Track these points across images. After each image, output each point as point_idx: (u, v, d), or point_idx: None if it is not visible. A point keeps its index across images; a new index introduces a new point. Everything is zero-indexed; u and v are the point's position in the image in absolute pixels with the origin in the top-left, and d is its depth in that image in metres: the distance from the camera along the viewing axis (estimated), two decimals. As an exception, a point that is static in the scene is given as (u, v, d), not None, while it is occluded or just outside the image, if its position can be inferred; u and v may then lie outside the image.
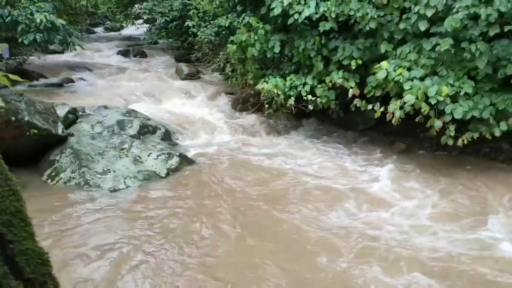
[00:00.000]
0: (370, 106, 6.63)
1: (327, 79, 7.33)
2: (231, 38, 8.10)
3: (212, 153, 7.26)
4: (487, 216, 5.26)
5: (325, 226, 5.02)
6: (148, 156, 6.62)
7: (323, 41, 7.38)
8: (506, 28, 5.67)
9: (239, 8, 8.46)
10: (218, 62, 10.04)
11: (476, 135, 6.16)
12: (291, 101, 7.60)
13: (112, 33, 19.55)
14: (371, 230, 4.94)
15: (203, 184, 6.14)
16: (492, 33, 5.70)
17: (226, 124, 8.52)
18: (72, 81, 10.75)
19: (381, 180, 6.26)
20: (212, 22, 10.04)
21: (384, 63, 6.44)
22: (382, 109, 6.47)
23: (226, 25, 8.63)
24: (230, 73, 9.37)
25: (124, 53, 14.69)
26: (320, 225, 5.04)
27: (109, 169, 6.18)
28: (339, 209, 5.43)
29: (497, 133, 6.03)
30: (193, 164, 6.79)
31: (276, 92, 7.55)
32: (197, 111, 9.00)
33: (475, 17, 5.79)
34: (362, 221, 5.15)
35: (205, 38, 9.99)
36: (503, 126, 5.97)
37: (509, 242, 4.66)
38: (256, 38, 7.63)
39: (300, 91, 7.57)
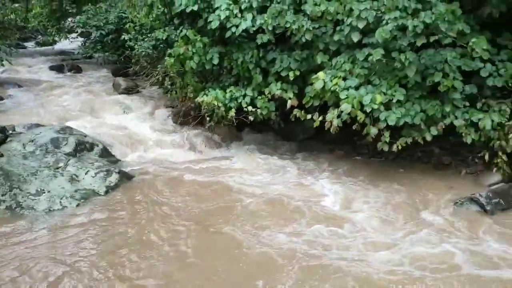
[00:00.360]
0: (309, 116, 6.76)
1: (266, 91, 7.42)
2: (169, 51, 8.02)
3: (153, 168, 7.09)
4: (432, 225, 5.32)
5: (268, 245, 4.85)
6: (86, 174, 6.37)
7: (261, 53, 7.47)
8: (432, 39, 6.00)
9: (176, 21, 8.39)
10: (157, 75, 9.87)
11: (409, 140, 6.42)
12: (232, 113, 7.60)
13: (44, 48, 18.71)
14: (317, 249, 4.77)
15: (143, 202, 5.97)
16: (419, 43, 6.01)
17: (167, 138, 8.38)
18: (0, 98, 10.18)
19: (327, 193, 6.23)
20: (149, 35, 9.88)
21: (320, 74, 6.60)
22: (320, 118, 6.61)
23: (164, 38, 8.52)
24: (169, 86, 9.25)
25: (58, 68, 14.13)
26: (263, 244, 4.88)
27: (43, 190, 5.89)
28: (284, 225, 5.29)
29: (428, 138, 6.33)
30: (133, 180, 6.61)
31: (216, 104, 7.52)
32: (136, 126, 8.80)
33: (403, 29, 6.07)
34: (308, 238, 4.98)
35: (142, 51, 9.82)
36: (434, 131, 6.28)
37: (464, 255, 4.64)
38: (194, 51, 7.58)
39: (240, 102, 7.59)
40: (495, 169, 6.17)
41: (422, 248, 4.81)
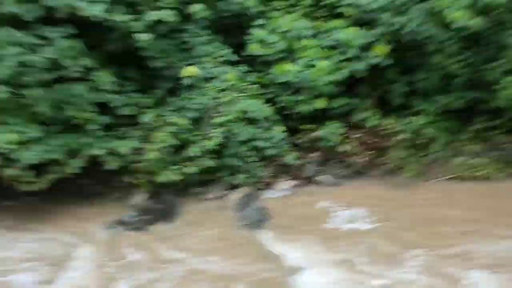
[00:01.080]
0: None
1: None
2: None
3: None
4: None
5: None
6: None
7: None
8: (59, 74, 6.07)
9: None
10: None
11: (57, 176, 6.31)
12: None
13: None
14: None
15: None
16: (46, 78, 5.99)
17: None
18: None
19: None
20: None
21: None
22: None
23: None
24: None
25: None
26: None
27: None
28: None
29: (76, 170, 6.40)
30: None
31: None
32: None
33: (31, 65, 5.95)
34: None
35: None
36: (79, 163, 6.38)
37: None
38: None
39: None
40: (138, 188, 6.74)
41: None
